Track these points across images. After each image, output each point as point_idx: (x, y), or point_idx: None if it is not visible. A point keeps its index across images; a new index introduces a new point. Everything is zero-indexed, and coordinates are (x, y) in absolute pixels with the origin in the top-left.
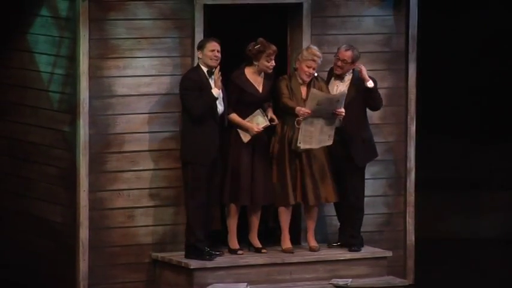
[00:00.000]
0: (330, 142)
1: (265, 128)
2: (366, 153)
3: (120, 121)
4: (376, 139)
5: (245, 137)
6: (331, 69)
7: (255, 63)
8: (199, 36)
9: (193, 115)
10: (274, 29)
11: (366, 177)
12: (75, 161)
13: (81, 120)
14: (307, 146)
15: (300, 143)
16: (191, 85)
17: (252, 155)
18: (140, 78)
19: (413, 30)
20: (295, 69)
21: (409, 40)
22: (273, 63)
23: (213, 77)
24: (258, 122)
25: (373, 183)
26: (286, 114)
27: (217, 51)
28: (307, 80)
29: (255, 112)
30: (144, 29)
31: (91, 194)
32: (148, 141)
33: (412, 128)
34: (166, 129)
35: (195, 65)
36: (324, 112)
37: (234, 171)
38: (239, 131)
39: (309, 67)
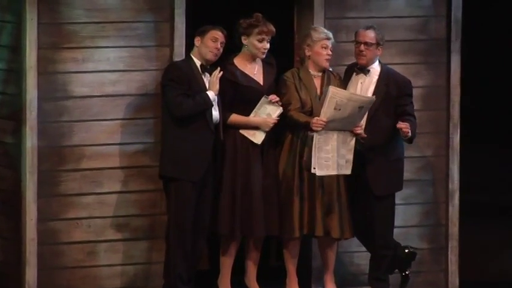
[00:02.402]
0: (347, 170)
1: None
2: (388, 181)
3: (78, 130)
4: (408, 153)
5: (257, 137)
6: (350, 67)
7: (244, 42)
8: (180, 21)
9: (176, 114)
10: (277, 14)
11: (396, 202)
12: (20, 181)
13: (27, 129)
14: (324, 172)
15: (314, 167)
16: (179, 76)
17: (257, 170)
18: (104, 74)
19: (457, 12)
20: (306, 59)
21: (452, 25)
22: (265, 45)
23: (207, 74)
24: (268, 112)
25: (405, 211)
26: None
27: (221, 43)
28: (327, 65)
29: (260, 102)
30: (109, 10)
31: (40, 223)
32: (115, 156)
33: (456, 139)
34: (138, 140)
35: (175, 57)
36: (341, 123)
37: (234, 191)
38: (246, 134)
39: (325, 47)
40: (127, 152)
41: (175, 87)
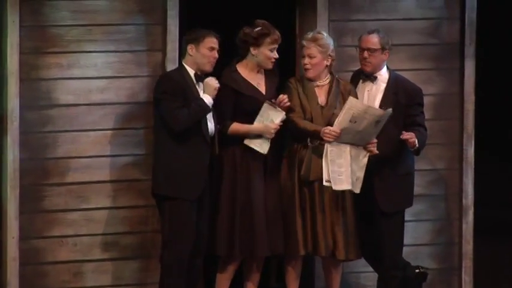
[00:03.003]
0: (356, 189)
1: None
2: (397, 196)
3: (63, 141)
4: (418, 166)
5: (262, 147)
6: (356, 74)
7: (253, 53)
8: (173, 23)
9: (174, 129)
10: (277, 16)
11: (405, 218)
12: (1, 196)
13: (8, 140)
14: (339, 187)
15: (327, 180)
16: (173, 88)
17: (259, 186)
18: (91, 81)
19: (471, 13)
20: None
21: (466, 28)
22: (276, 54)
23: (201, 84)
24: (271, 118)
25: (415, 228)
26: (299, 135)
27: (217, 51)
28: (308, 76)
29: (262, 108)
30: (96, 12)
31: (23, 242)
32: (103, 169)
33: (470, 151)
34: (128, 152)
35: (168, 63)
36: (355, 137)
37: (233, 209)
38: (250, 144)
39: (302, 57)
40: (116, 164)
41: (170, 100)
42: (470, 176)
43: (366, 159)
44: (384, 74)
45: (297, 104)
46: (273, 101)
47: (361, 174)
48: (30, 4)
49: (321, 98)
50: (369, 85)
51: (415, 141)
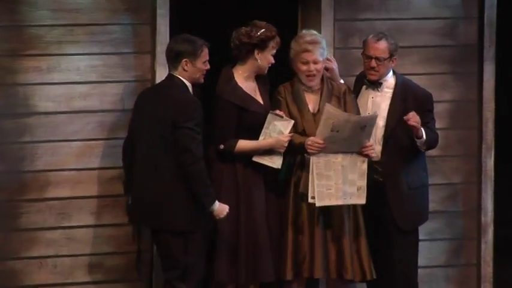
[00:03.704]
0: (360, 199)
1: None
2: (414, 212)
3: (42, 152)
4: (433, 179)
5: (275, 162)
6: (360, 77)
7: (257, 57)
8: (162, 23)
9: (187, 165)
10: (277, 15)
11: (420, 237)
12: None
13: None
14: (326, 202)
15: (312, 197)
16: (200, 118)
17: (262, 205)
18: (73, 86)
19: (490, 13)
20: (296, 73)
21: (485, 28)
22: (273, 59)
23: None
24: (279, 129)
25: (430, 248)
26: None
27: (207, 62)
28: (311, 84)
29: (267, 120)
30: (78, 11)
31: None
32: (86, 183)
33: (489, 163)
34: (113, 165)
35: (157, 66)
36: (344, 145)
37: (236, 231)
38: (262, 161)
39: (304, 63)
40: (101, 178)
41: (198, 132)
42: (489, 190)
43: (365, 166)
44: (389, 80)
45: (285, 109)
46: (277, 112)
47: (362, 182)
48: (6, 2)
49: (312, 105)
50: (373, 92)
51: (418, 124)
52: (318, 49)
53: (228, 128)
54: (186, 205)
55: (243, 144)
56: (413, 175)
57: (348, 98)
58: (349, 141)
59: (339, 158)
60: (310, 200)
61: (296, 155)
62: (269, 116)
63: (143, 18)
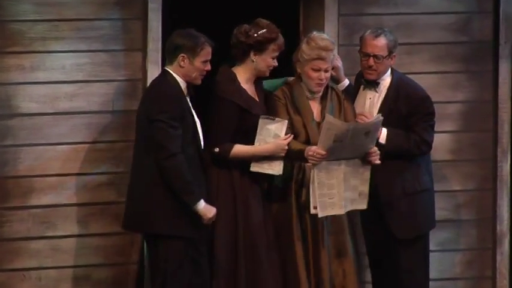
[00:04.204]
0: (361, 205)
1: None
2: (412, 219)
3: (25, 156)
4: (445, 185)
5: (275, 168)
6: (359, 75)
7: (253, 58)
8: (154, 18)
9: (162, 161)
10: (277, 10)
11: (430, 248)
12: None
13: None
14: (328, 212)
15: (314, 207)
16: (177, 111)
17: (261, 217)
18: (59, 86)
19: (507, 7)
20: (299, 76)
21: (500, 24)
22: (276, 63)
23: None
24: (275, 132)
25: (441, 259)
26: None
27: (208, 62)
28: (318, 90)
29: (259, 126)
30: (64, 5)
31: None
32: (72, 190)
33: (505, 168)
34: (101, 170)
35: (149, 65)
36: (347, 152)
37: (233, 244)
38: (261, 170)
39: (316, 70)
40: (88, 184)
41: (172, 126)
42: (505, 197)
43: (368, 172)
44: (386, 79)
45: (285, 114)
46: (265, 116)
47: (365, 188)
48: None
49: (315, 113)
50: (370, 92)
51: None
52: (330, 56)
53: (227, 130)
54: (166, 207)
55: (239, 149)
56: (412, 180)
57: (346, 103)
58: (352, 147)
59: (342, 165)
60: (312, 211)
61: (293, 162)
62: (260, 121)
63: (134, 13)
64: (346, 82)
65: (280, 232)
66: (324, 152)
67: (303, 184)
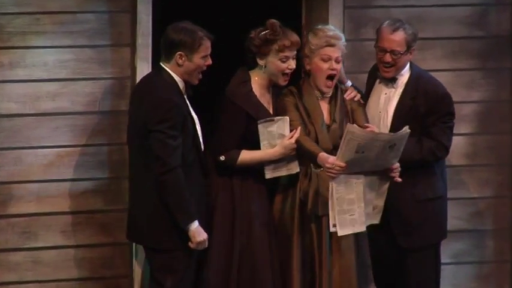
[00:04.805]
0: (374, 219)
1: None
2: (416, 227)
3: (4, 161)
4: (459, 193)
5: (292, 168)
6: (373, 69)
7: (261, 63)
8: (144, 11)
9: (168, 170)
10: (278, 3)
11: (442, 260)
12: None
13: None
14: (349, 230)
15: (334, 225)
16: (178, 119)
17: (261, 227)
18: (40, 84)
19: None
20: (307, 73)
21: None
22: (291, 64)
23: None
24: (278, 132)
25: (456, 272)
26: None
27: (209, 57)
28: (329, 89)
29: (260, 131)
30: None
31: None
32: (55, 197)
33: None
34: (87, 176)
35: (138, 61)
36: (368, 165)
37: (230, 257)
38: (276, 174)
39: (326, 60)
40: (72, 191)
41: (172, 136)
42: None
43: (386, 187)
44: (405, 74)
45: (297, 119)
46: (262, 121)
47: (380, 202)
48: None
49: (325, 115)
50: (386, 88)
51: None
52: (341, 46)
53: (233, 137)
54: (170, 219)
55: (246, 156)
56: (424, 186)
57: (355, 105)
58: (374, 162)
59: (361, 179)
60: (331, 229)
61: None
62: (259, 127)
63: (122, 5)
64: (349, 83)
65: (279, 237)
66: (343, 165)
67: (308, 192)
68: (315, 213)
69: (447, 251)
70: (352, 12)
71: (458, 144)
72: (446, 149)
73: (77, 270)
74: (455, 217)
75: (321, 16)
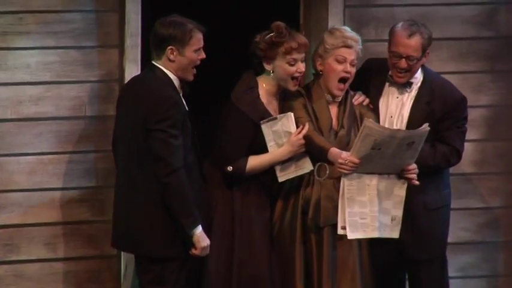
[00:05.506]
0: (393, 232)
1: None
2: (428, 238)
3: None
4: (466, 202)
5: (306, 166)
6: (380, 65)
7: (268, 68)
8: (133, 10)
9: (171, 171)
10: (275, 1)
11: (449, 274)
12: None
13: None
14: (360, 234)
15: (343, 227)
16: (178, 117)
17: (261, 237)
18: (23, 87)
19: None
20: (318, 75)
21: None
22: (300, 67)
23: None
24: (284, 130)
25: (463, 287)
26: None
27: (202, 50)
28: (341, 89)
29: (264, 133)
30: None
31: None
32: (39, 207)
33: None
34: (72, 185)
35: (127, 63)
36: (383, 164)
37: (229, 268)
38: (289, 176)
39: (341, 62)
40: (56, 201)
41: (174, 135)
42: None
43: (403, 192)
44: (418, 76)
45: (305, 117)
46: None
47: (398, 212)
48: None
49: (334, 120)
50: (398, 91)
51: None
52: (357, 49)
53: (239, 146)
54: (163, 227)
55: (255, 161)
56: (434, 194)
57: (363, 109)
58: (389, 160)
59: (374, 181)
60: (339, 231)
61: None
62: (262, 127)
63: (109, 4)
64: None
65: (280, 245)
66: (357, 160)
67: (310, 200)
68: (316, 223)
69: (454, 264)
70: (352, 11)
71: (465, 151)
72: (459, 155)
73: (62, 284)
74: (462, 228)
75: (320, 15)
